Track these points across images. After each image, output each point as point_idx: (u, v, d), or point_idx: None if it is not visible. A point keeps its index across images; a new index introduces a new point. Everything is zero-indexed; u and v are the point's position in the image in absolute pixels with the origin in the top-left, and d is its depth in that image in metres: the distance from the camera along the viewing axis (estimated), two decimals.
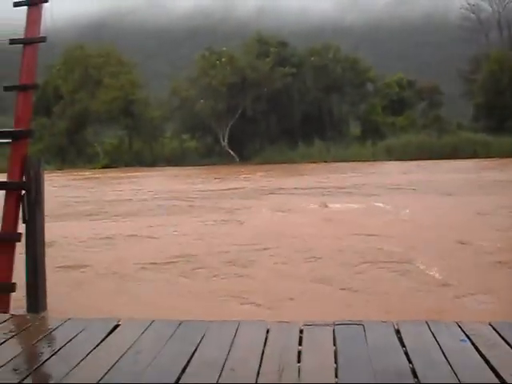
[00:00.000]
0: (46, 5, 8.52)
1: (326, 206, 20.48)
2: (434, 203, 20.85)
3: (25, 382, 3.96)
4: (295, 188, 28.74)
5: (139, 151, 62.96)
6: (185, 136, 64.68)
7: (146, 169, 53.11)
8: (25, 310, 7.73)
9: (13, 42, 8.47)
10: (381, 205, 20.60)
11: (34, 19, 8.38)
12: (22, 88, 8.22)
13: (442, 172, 36.24)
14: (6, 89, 8.63)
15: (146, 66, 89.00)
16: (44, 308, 7.91)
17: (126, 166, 58.32)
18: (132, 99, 63.30)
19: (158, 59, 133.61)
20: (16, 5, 8.50)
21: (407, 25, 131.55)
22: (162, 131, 66.17)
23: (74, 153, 64.13)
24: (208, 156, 59.81)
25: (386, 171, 40.24)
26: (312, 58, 60.63)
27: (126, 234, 16.21)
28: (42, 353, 4.59)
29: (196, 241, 14.67)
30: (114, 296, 9.74)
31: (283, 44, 61.81)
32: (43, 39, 8.45)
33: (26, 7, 8.45)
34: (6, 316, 6.06)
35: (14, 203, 7.75)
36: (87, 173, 51.34)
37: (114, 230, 17.08)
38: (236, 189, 29.48)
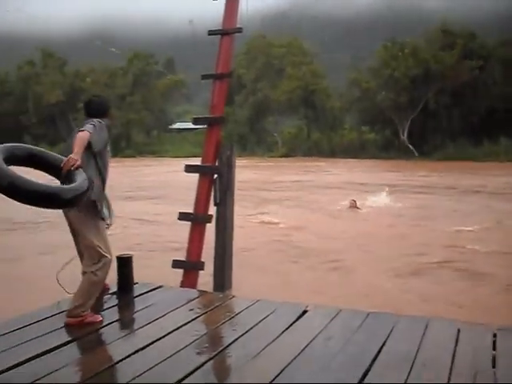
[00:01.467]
0: None
1: None
2: None
3: (215, 359, 4.15)
4: None
5: (317, 142, 63.38)
6: (364, 128, 63.97)
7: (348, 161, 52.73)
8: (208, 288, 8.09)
9: (211, 33, 8.85)
10: None
11: (231, 11, 8.68)
12: (219, 77, 8.58)
13: None
14: (204, 77, 9.05)
15: (326, 55, 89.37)
16: (229, 287, 8.23)
17: (304, 155, 59.00)
18: (313, 89, 63.76)
19: (338, 49, 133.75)
20: None
21: None
22: (341, 122, 66.12)
23: (253, 141, 65.97)
24: (386, 149, 58.68)
25: None
26: (502, 50, 57.35)
27: None
28: (232, 331, 4.76)
29: None
30: None
31: (471, 35, 58.73)
32: (239, 30, 8.74)
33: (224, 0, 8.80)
34: (196, 293, 6.40)
35: (206, 186, 8.15)
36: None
37: None
38: None
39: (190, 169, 8.35)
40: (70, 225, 5.20)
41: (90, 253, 5.04)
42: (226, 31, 8.64)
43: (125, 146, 68.50)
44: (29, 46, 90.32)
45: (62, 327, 4.88)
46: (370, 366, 3.87)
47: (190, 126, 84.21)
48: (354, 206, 19.49)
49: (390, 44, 60.36)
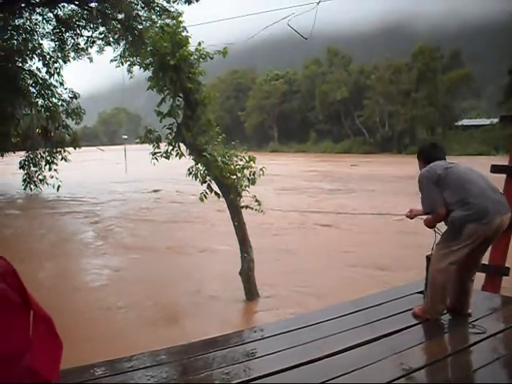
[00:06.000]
0: None
1: None
2: None
3: None
4: None
5: None
6: None
7: None
8: None
9: None
10: None
11: None
12: None
13: None
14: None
15: None
16: None
17: None
18: None
19: None
20: None
21: None
22: None
23: None
24: None
25: None
26: None
27: None
28: None
29: None
30: None
31: None
32: None
33: None
34: (505, 299, 6.16)
35: None
36: None
37: None
38: None
39: (496, 169, 7.95)
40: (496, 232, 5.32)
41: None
42: None
43: (409, 142, 68.72)
44: (316, 46, 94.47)
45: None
46: None
47: (478, 122, 79.86)
48: None
49: None
